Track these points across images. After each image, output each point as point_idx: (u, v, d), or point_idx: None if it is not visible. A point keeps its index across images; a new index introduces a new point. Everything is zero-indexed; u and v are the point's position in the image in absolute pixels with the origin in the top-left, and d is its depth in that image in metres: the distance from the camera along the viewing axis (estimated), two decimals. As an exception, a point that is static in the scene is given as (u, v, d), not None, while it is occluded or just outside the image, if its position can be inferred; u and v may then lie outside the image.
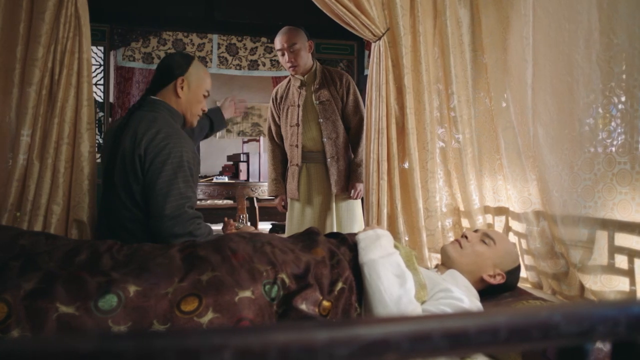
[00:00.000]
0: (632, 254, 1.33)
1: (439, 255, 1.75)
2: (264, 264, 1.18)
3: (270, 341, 0.37)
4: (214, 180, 4.13)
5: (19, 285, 0.98)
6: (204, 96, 1.72)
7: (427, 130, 2.03)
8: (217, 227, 2.48)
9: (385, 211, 2.00)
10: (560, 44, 1.56)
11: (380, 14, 2.01)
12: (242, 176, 4.02)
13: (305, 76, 2.43)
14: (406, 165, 2.03)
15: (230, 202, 4.92)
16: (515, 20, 1.82)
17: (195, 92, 1.69)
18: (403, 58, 1.99)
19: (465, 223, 2.08)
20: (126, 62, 4.64)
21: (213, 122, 2.13)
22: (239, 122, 6.99)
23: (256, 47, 4.90)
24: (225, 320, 1.05)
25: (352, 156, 2.50)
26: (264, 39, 4.80)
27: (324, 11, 2.01)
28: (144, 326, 1.00)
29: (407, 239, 2.05)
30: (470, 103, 2.04)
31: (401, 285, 1.20)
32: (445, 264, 1.53)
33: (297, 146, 2.45)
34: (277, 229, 3.86)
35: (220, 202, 4.99)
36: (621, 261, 1.37)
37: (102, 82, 4.18)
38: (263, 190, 3.92)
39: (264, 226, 4.48)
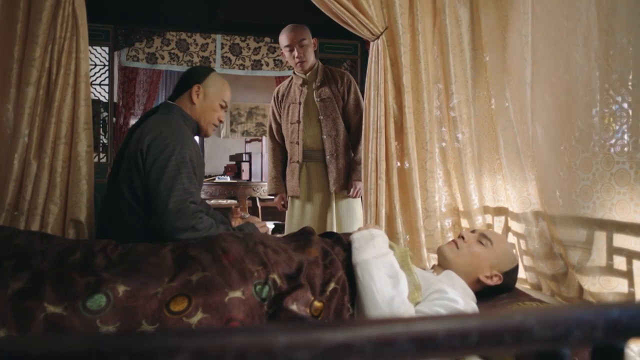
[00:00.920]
0: (630, 255, 1.31)
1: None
2: (256, 264, 1.17)
3: (228, 344, 0.36)
4: (216, 180, 4.13)
5: (7, 285, 0.98)
6: (221, 106, 1.75)
7: (426, 129, 2.01)
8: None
9: (383, 211, 1.98)
10: (559, 42, 1.54)
11: (379, 12, 1.99)
12: (245, 176, 4.02)
13: (308, 74, 2.45)
14: (406, 165, 2.01)
15: (234, 201, 4.94)
16: (514, 18, 1.80)
17: (211, 100, 1.71)
18: (402, 57, 1.98)
19: (464, 223, 2.06)
20: (130, 62, 4.65)
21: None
22: (243, 122, 7.00)
23: (259, 47, 4.90)
24: (214, 321, 1.05)
25: (352, 155, 2.49)
26: (267, 39, 4.80)
27: (323, 10, 2.00)
28: (133, 326, 1.00)
29: (407, 238, 2.03)
30: (470, 102, 2.02)
31: (394, 286, 1.19)
32: (442, 264, 1.51)
33: (297, 143, 2.45)
34: (280, 228, 3.85)
35: (224, 201, 5.02)
36: (620, 262, 1.34)
37: (106, 82, 4.21)
38: (265, 189, 3.92)
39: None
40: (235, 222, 1.92)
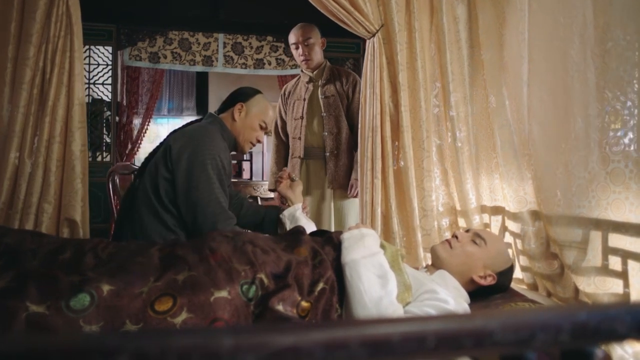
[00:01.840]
0: (626, 255, 1.28)
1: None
2: (243, 264, 1.16)
3: (169, 346, 0.35)
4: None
5: (-10, 284, 0.98)
6: (261, 127, 1.79)
7: (423, 128, 2.00)
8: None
9: (379, 210, 1.97)
10: (556, 39, 1.52)
11: (375, 10, 1.98)
12: (245, 175, 4.02)
13: (315, 72, 2.48)
14: (402, 163, 2.00)
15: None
16: (511, 15, 1.78)
17: (252, 119, 1.77)
18: (398, 55, 1.96)
19: (462, 223, 2.04)
20: (132, 61, 4.66)
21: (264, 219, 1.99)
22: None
23: (262, 46, 4.89)
24: (199, 321, 1.04)
25: (355, 154, 2.49)
26: (269, 38, 4.79)
27: (319, 8, 1.99)
28: (116, 326, 0.99)
29: (404, 238, 2.02)
30: (468, 100, 2.00)
31: (382, 286, 1.17)
32: (435, 264, 1.49)
33: (299, 139, 2.48)
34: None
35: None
36: (615, 262, 1.32)
37: (109, 81, 4.23)
38: (265, 189, 3.91)
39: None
40: (284, 184, 1.98)
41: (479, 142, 1.98)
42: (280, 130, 2.66)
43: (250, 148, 1.86)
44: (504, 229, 1.88)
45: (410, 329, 0.40)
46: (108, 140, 4.30)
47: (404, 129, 1.96)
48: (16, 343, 0.34)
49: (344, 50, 4.36)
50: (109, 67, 4.22)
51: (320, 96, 2.45)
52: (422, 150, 2.00)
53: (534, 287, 1.74)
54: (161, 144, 1.69)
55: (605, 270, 1.34)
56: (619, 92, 1.30)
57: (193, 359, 0.36)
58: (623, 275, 1.29)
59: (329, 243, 1.35)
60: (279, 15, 4.37)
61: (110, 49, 4.19)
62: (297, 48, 2.42)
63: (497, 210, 1.93)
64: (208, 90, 6.30)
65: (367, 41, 2.01)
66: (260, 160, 4.07)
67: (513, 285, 1.57)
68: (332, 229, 2.37)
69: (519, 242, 1.77)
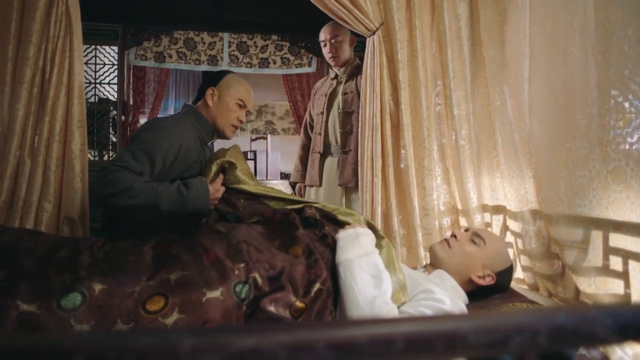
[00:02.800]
0: (626, 255, 1.26)
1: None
2: (237, 263, 1.15)
3: (127, 346, 0.35)
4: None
5: (-18, 283, 0.98)
6: (239, 105, 1.73)
7: (423, 126, 1.98)
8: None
9: (379, 209, 1.96)
10: (556, 35, 1.49)
11: (375, 7, 1.96)
12: (250, 174, 4.01)
13: (341, 69, 2.50)
14: (402, 163, 1.98)
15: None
16: (512, 12, 1.75)
17: (226, 101, 1.71)
18: (398, 53, 1.94)
19: (463, 222, 2.02)
20: (138, 61, 4.69)
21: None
22: (252, 120, 7.01)
23: (267, 45, 4.89)
24: (190, 321, 1.03)
25: None
26: (274, 37, 4.79)
27: (318, 6, 1.97)
28: (107, 325, 0.99)
29: (405, 238, 2.00)
30: (469, 98, 1.97)
31: (377, 286, 1.16)
32: (434, 263, 1.48)
33: (320, 134, 2.51)
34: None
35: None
36: (616, 262, 1.29)
37: (115, 81, 4.25)
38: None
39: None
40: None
41: (480, 141, 1.96)
42: (308, 126, 2.70)
43: (234, 132, 1.78)
44: (505, 228, 1.86)
45: (378, 331, 0.39)
46: (114, 139, 4.33)
47: (404, 127, 1.94)
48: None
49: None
50: (115, 66, 4.25)
51: (340, 93, 2.48)
52: (422, 148, 1.98)
53: (534, 287, 1.72)
54: None
55: (606, 271, 1.32)
56: (620, 89, 1.27)
57: (150, 360, 0.35)
58: (624, 275, 1.27)
59: (324, 242, 1.34)
60: (284, 14, 4.37)
61: (116, 48, 4.22)
62: (325, 45, 2.45)
63: (498, 210, 1.90)
64: (214, 89, 6.29)
65: (367, 39, 2.00)
66: (265, 160, 4.07)
67: (514, 285, 1.55)
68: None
69: (519, 241, 1.75)
